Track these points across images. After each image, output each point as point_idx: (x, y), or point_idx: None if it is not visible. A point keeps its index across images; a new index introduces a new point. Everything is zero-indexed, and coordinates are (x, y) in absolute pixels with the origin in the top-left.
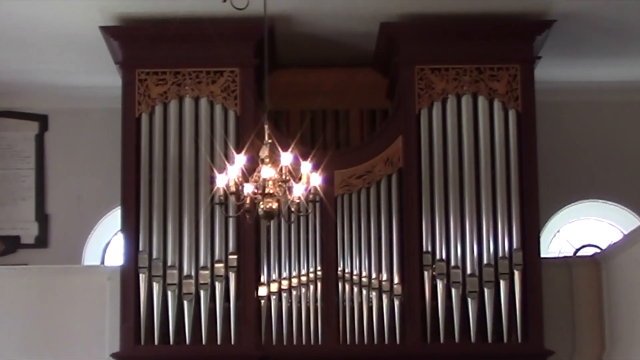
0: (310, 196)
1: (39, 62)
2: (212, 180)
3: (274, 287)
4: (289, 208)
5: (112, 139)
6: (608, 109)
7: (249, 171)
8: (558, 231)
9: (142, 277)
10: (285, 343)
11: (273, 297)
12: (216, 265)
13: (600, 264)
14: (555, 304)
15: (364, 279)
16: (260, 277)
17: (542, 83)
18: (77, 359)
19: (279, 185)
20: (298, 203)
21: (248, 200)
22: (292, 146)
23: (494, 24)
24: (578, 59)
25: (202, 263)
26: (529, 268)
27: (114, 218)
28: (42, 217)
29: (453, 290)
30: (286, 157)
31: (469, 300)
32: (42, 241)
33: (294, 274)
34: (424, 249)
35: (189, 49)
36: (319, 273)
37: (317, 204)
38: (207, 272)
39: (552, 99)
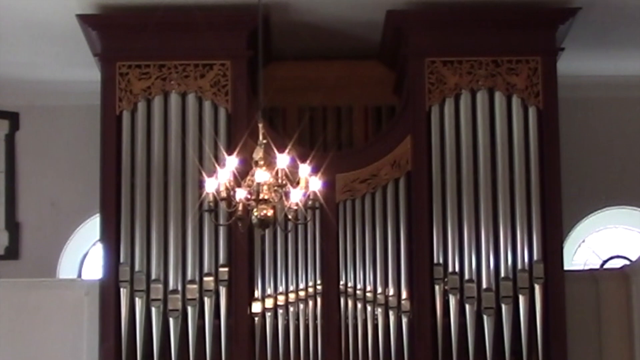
0: (309, 202)
1: (9, 54)
2: (200, 185)
3: (269, 302)
4: (286, 215)
5: (90, 139)
6: (637, 106)
7: (242, 175)
8: (583, 241)
9: (124, 292)
10: None
11: (268, 314)
12: (205, 278)
13: (629, 277)
14: (580, 321)
15: (368, 294)
16: (253, 291)
17: (565, 77)
18: None
19: (275, 190)
20: (296, 210)
21: (240, 207)
22: (289, 147)
23: (513, 11)
24: (604, 50)
25: (189, 276)
26: (551, 282)
27: (92, 226)
28: (13, 226)
29: (467, 306)
30: (282, 159)
31: (485, 317)
32: (12, 252)
33: (291, 288)
34: (435, 261)
35: (175, 39)
36: (318, 287)
37: (317, 211)
38: (195, 286)
39: (576, 95)
